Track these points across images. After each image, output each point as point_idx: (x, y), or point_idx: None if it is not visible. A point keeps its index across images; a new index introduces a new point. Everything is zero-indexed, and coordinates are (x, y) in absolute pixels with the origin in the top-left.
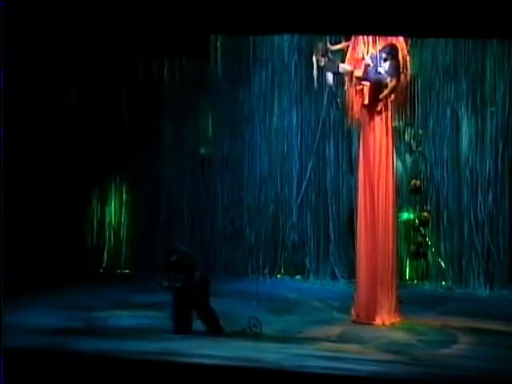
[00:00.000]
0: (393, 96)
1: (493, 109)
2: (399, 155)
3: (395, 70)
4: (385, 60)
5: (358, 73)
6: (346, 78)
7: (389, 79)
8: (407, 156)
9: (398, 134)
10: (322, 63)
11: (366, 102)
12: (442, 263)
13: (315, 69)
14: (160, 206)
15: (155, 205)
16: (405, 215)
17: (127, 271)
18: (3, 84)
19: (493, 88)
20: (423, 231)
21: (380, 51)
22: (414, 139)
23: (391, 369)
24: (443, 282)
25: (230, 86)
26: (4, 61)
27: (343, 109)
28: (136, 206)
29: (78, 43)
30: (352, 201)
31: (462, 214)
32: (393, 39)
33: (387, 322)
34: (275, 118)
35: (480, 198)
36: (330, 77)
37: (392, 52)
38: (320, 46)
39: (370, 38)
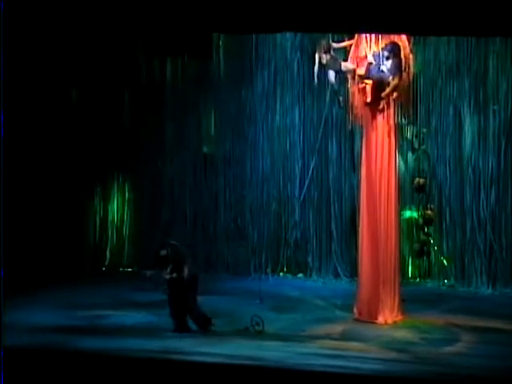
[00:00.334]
0: (395, 94)
1: (495, 107)
2: (402, 153)
3: (397, 69)
4: (387, 58)
5: (361, 71)
6: (349, 76)
7: (391, 77)
8: (410, 154)
9: (400, 133)
10: (325, 61)
11: (369, 100)
12: (445, 261)
13: (316, 66)
14: (162, 204)
15: (158, 203)
16: (407, 213)
17: (130, 269)
18: (6, 83)
19: (495, 86)
20: (427, 229)
21: (382, 49)
22: (416, 137)
23: (394, 367)
24: (446, 281)
25: (233, 84)
26: (9, 60)
27: (346, 107)
28: (138, 204)
29: (80, 43)
30: (354, 199)
31: (464, 212)
32: (395, 37)
33: (389, 321)
34: (277, 117)
35: (482, 196)
36: (331, 75)
37: (394, 50)
38: (323, 43)
39: (373, 36)
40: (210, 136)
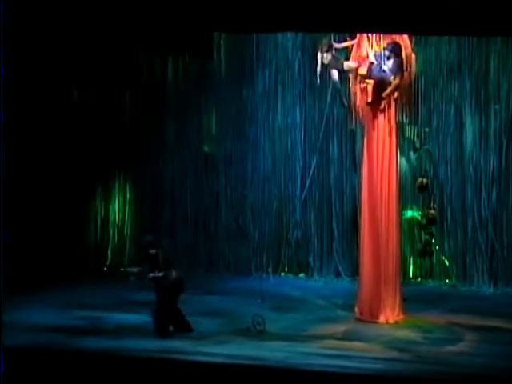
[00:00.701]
0: (396, 94)
1: (496, 106)
2: (403, 153)
3: (399, 68)
4: (388, 58)
5: (363, 71)
6: (351, 76)
7: (392, 77)
8: (411, 153)
9: (401, 132)
10: (326, 61)
11: (370, 99)
12: (446, 261)
13: (319, 65)
14: (164, 204)
15: (159, 203)
16: (409, 213)
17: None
18: (7, 83)
19: (496, 86)
20: (430, 229)
21: (384, 49)
22: (417, 137)
23: (395, 366)
24: (447, 280)
25: (234, 84)
26: (10, 60)
27: (348, 106)
28: (140, 204)
29: (81, 43)
30: (356, 198)
31: (465, 211)
32: (397, 37)
33: (391, 320)
34: (279, 116)
35: (484, 195)
36: (335, 73)
37: (395, 50)
38: (324, 42)
39: (375, 36)
40: (211, 135)
